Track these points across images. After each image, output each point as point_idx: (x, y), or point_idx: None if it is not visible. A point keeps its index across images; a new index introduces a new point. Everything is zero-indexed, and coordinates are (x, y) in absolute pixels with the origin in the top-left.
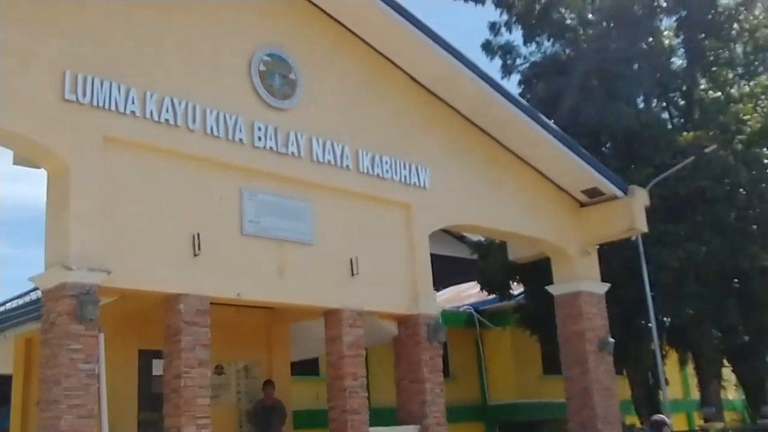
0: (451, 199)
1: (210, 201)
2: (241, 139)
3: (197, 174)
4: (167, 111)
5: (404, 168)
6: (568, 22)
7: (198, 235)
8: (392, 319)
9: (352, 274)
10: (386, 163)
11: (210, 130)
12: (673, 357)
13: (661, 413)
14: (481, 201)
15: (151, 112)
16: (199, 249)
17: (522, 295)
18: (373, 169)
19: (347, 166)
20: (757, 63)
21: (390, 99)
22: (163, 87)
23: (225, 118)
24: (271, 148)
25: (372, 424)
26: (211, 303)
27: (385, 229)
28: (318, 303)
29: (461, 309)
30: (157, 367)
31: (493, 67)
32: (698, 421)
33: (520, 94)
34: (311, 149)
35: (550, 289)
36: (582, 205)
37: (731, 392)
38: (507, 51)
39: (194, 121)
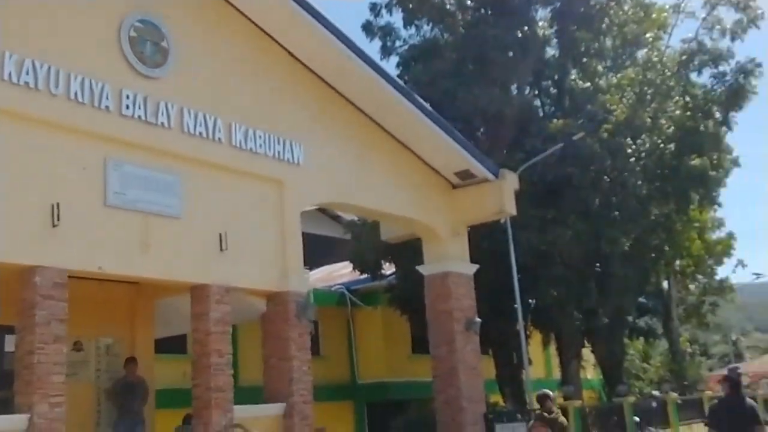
0: (324, 176)
1: (72, 170)
2: (107, 107)
3: (59, 141)
4: (27, 74)
5: (278, 143)
6: (448, 6)
7: (57, 205)
8: (261, 296)
9: (221, 250)
10: (260, 137)
11: (74, 95)
12: (536, 337)
13: (525, 393)
14: (355, 179)
15: (10, 74)
16: (58, 220)
17: (393, 276)
18: (245, 143)
19: (219, 140)
20: (624, 56)
21: (266, 74)
22: (24, 48)
23: (91, 84)
24: (139, 117)
25: (239, 403)
26: (70, 276)
27: (256, 205)
28: (184, 278)
29: (333, 288)
30: (10, 343)
31: (372, 48)
32: (558, 400)
33: (398, 76)
34: (182, 120)
35: (420, 269)
36: (454, 186)
37: (590, 372)
38: (387, 33)
39: (57, 85)
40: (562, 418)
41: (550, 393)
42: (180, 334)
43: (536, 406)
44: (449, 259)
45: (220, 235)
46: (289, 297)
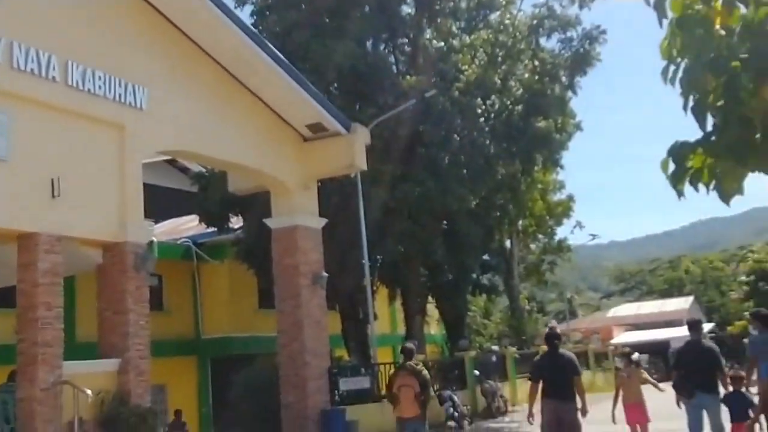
0: (170, 123)
1: None
2: None
3: None
4: None
5: (119, 86)
6: None
7: None
8: (96, 247)
9: (53, 196)
10: (99, 78)
11: None
12: (383, 293)
13: (370, 348)
14: (203, 128)
15: None
16: None
17: (241, 229)
18: (83, 83)
19: (54, 78)
20: (478, 18)
21: (111, 12)
22: None
23: None
24: None
25: (74, 359)
26: None
27: (94, 150)
28: (10, 226)
29: (179, 241)
30: None
31: None
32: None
33: (252, 25)
34: (11, 55)
35: (268, 222)
36: (305, 139)
37: (434, 327)
38: None
39: None
40: (426, 372)
41: (412, 346)
42: (7, 287)
43: (405, 359)
44: (298, 213)
45: (52, 181)
46: (127, 248)
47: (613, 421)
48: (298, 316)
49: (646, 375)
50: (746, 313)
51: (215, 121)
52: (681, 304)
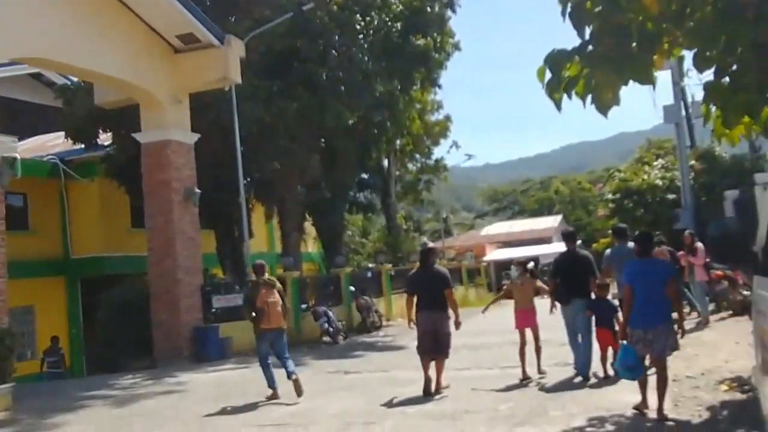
0: (24, 28)
1: None
2: None
3: None
4: None
5: None
6: None
7: None
8: None
9: None
10: None
11: None
12: (259, 211)
13: (245, 265)
14: (61, 35)
15: None
16: None
17: (111, 146)
18: None
19: None
20: None
21: None
22: None
23: None
24: None
25: None
26: None
27: None
28: None
29: (45, 159)
30: None
31: None
32: (278, 271)
33: None
34: None
35: (137, 136)
36: (176, 51)
37: (311, 245)
38: None
39: None
40: (279, 285)
41: (264, 263)
42: None
43: (255, 276)
44: (169, 127)
45: None
46: None
47: (483, 312)
48: (170, 233)
49: (540, 283)
50: (610, 231)
51: (76, 27)
52: (550, 222)
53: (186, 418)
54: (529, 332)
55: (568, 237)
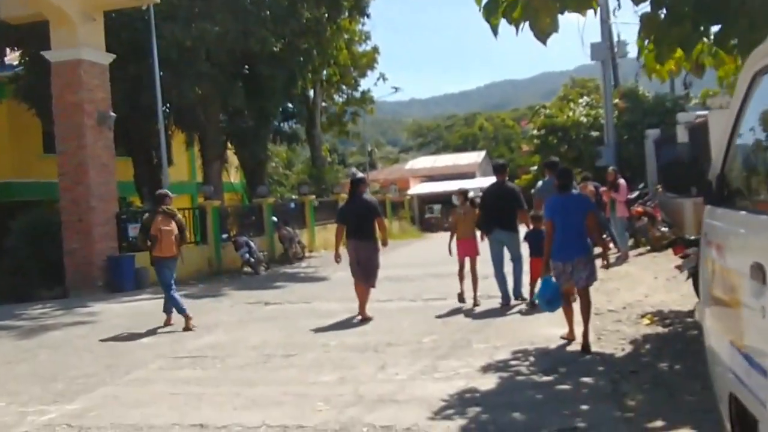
0: None
1: None
2: None
3: None
4: None
5: None
6: None
7: None
8: None
9: None
10: None
11: None
12: (179, 138)
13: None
14: None
15: None
16: None
17: (20, 66)
18: None
19: None
20: None
21: None
22: None
23: None
24: None
25: None
26: None
27: None
28: None
29: None
30: None
31: None
32: (199, 200)
33: None
34: None
35: (46, 54)
36: None
37: (234, 175)
38: None
39: None
40: (180, 216)
41: (167, 192)
42: None
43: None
44: (81, 46)
45: None
46: None
47: (450, 253)
48: (82, 158)
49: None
50: (533, 168)
51: None
52: (474, 158)
53: (97, 349)
54: (468, 262)
55: (498, 169)
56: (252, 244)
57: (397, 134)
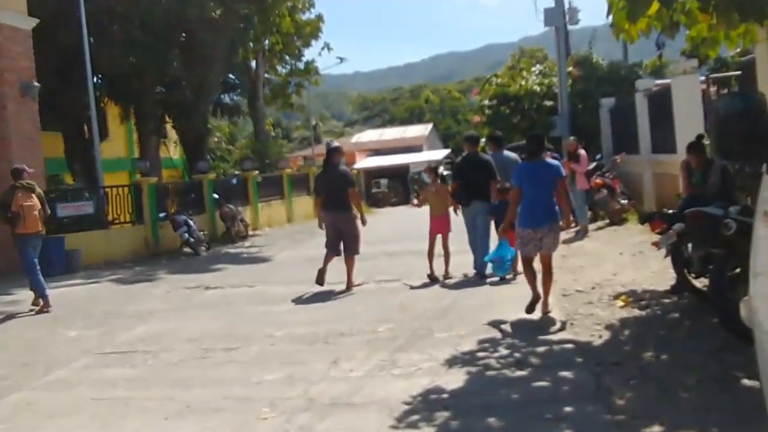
0: None
1: None
2: None
3: None
4: None
5: None
6: None
7: None
8: None
9: None
10: None
11: None
12: (114, 111)
13: (97, 170)
14: None
15: None
16: None
17: None
18: None
19: None
20: None
21: None
22: None
23: None
24: None
25: None
26: None
27: None
28: None
29: None
30: None
31: None
32: (136, 176)
33: None
34: None
35: None
36: None
37: (174, 151)
38: None
39: None
40: (40, 189)
41: (27, 168)
42: None
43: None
44: (1, 9)
45: None
46: None
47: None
48: (4, 132)
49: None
50: (483, 141)
51: None
52: (421, 131)
53: (14, 345)
54: (440, 239)
55: (471, 140)
56: (191, 223)
57: (342, 108)
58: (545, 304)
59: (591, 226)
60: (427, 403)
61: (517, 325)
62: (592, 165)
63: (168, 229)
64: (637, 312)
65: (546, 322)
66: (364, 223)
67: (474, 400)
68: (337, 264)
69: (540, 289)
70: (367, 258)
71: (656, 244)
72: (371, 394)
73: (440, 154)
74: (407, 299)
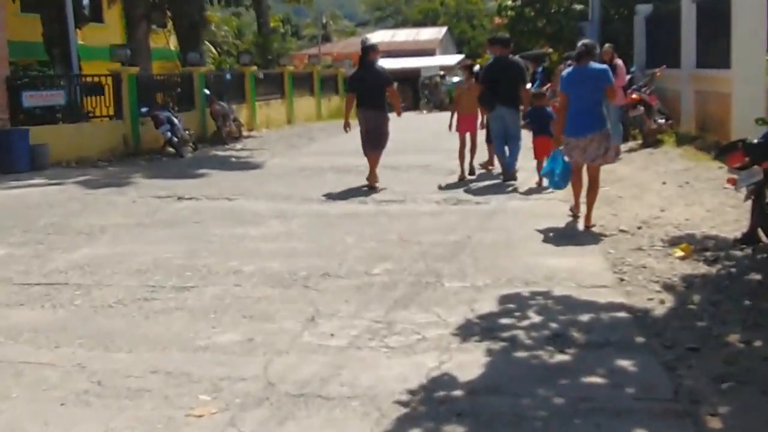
0: None
1: None
2: None
3: None
4: None
5: None
6: None
7: None
8: None
9: None
10: None
11: None
12: None
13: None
14: None
15: None
16: None
17: None
18: None
19: None
20: None
21: None
22: None
23: None
24: None
25: None
26: None
27: None
28: None
29: None
30: None
31: None
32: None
33: None
34: None
35: None
36: None
37: (173, 41)
38: None
39: None
40: None
41: None
42: None
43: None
44: None
45: None
46: None
47: (450, 128)
48: None
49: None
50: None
51: None
52: (434, 34)
53: None
54: (469, 138)
55: (502, 42)
56: (176, 120)
57: (354, 7)
58: (588, 218)
59: (623, 147)
60: (431, 403)
61: (550, 275)
62: (626, 78)
63: (151, 126)
64: (703, 267)
65: (588, 273)
66: (398, 113)
67: (499, 403)
68: (327, 173)
69: (584, 204)
70: (367, 170)
71: (733, 182)
72: (354, 381)
73: (454, 59)
74: (412, 228)
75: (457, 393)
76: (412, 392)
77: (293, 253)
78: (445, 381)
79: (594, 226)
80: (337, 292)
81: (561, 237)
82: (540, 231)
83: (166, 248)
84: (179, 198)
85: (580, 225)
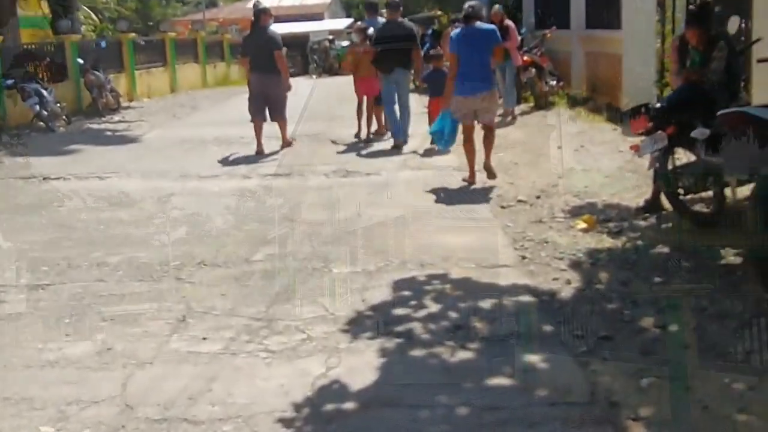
0: None
1: None
2: None
3: None
4: None
5: None
6: None
7: None
8: None
9: None
10: None
11: None
12: None
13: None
14: None
15: None
16: None
17: None
18: None
19: None
20: None
21: None
22: None
23: None
24: None
25: None
26: None
27: None
28: None
29: None
30: None
31: None
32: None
33: None
34: None
35: None
36: None
37: (39, 8)
38: None
39: None
40: None
41: None
42: None
43: None
44: None
45: None
46: None
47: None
48: None
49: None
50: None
51: None
52: None
53: None
54: (366, 100)
55: (391, 6)
56: (45, 92)
57: None
58: (488, 169)
59: (515, 110)
60: (318, 423)
61: (446, 255)
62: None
63: (18, 99)
64: (608, 240)
65: (487, 250)
66: (288, 88)
67: (395, 418)
68: (208, 145)
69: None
70: (252, 141)
71: (636, 149)
72: (227, 398)
73: (343, 23)
74: (298, 203)
75: (348, 406)
76: (296, 407)
77: (166, 239)
78: (333, 391)
79: (495, 177)
80: (213, 284)
81: (457, 211)
82: (434, 204)
83: (22, 237)
84: (44, 178)
85: (478, 182)
